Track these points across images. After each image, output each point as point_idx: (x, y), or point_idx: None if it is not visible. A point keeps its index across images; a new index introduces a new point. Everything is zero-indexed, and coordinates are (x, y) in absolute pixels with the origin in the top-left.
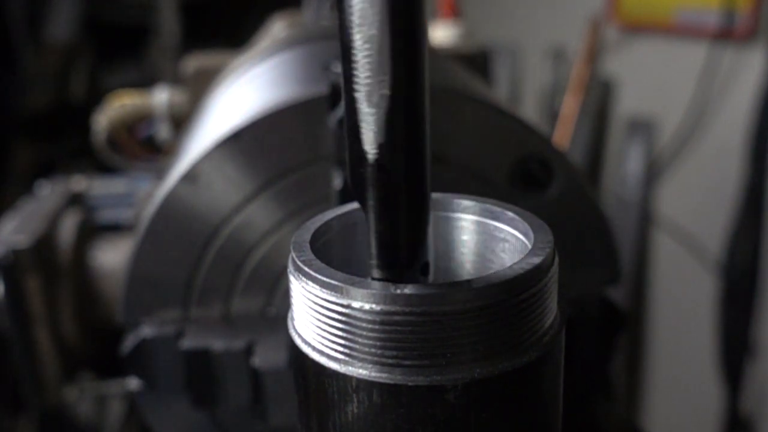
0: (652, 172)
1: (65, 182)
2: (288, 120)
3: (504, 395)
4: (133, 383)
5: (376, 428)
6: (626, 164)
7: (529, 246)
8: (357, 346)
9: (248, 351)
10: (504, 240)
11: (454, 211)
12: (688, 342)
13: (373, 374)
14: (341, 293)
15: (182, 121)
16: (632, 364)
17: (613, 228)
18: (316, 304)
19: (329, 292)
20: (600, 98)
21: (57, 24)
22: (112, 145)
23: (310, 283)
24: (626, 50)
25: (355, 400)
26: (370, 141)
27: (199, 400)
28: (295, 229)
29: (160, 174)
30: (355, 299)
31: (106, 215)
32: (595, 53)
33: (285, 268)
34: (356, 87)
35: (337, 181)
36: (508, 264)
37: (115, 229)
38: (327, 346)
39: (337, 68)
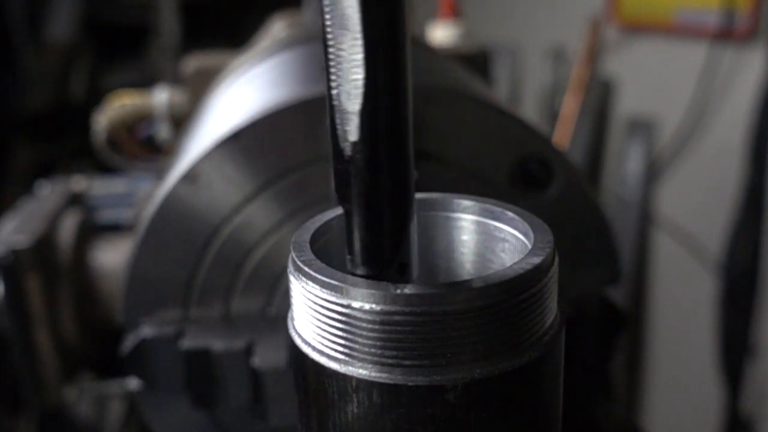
0: (652, 172)
1: (65, 182)
2: (288, 120)
3: (504, 395)
4: (133, 383)
5: (376, 428)
6: (626, 164)
7: (529, 246)
8: (357, 346)
9: (248, 351)
10: (504, 240)
11: (454, 211)
12: (688, 342)
13: (373, 374)
14: (341, 293)
15: (182, 121)
16: (632, 364)
17: (613, 228)
18: (316, 304)
19: (329, 292)
20: (600, 98)
21: (57, 24)
22: (112, 145)
23: (310, 283)
24: (626, 50)
25: (355, 400)
26: (344, 137)
27: (199, 400)
28: (295, 229)
29: (160, 174)
30: (355, 299)
31: (106, 215)
32: (595, 53)
33: (285, 268)
34: (332, 84)
35: None
36: (508, 264)
37: (115, 229)
38: (327, 346)
39: None
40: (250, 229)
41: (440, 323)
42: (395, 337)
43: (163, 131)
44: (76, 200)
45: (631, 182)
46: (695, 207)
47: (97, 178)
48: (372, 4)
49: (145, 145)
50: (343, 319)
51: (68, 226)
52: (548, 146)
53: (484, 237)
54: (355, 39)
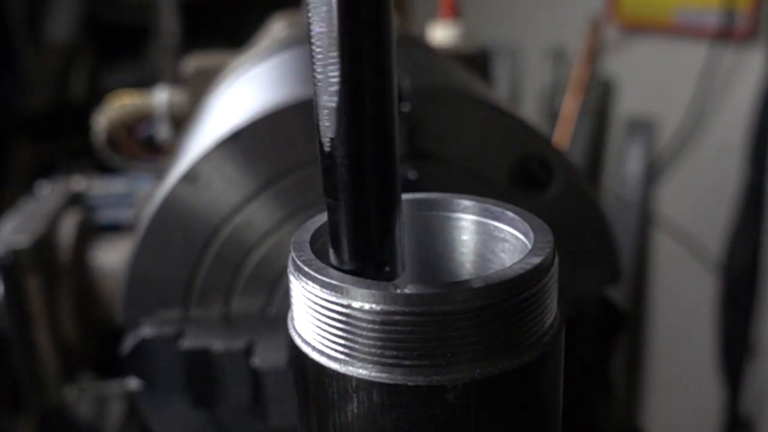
0: (652, 172)
1: (65, 182)
2: (288, 120)
3: (504, 395)
4: (133, 383)
5: (376, 428)
6: (626, 164)
7: (529, 246)
8: (357, 346)
9: (248, 351)
10: (504, 240)
11: (454, 211)
12: (688, 342)
13: (373, 374)
14: (341, 293)
15: (182, 121)
16: (632, 364)
17: (612, 228)
18: (316, 304)
19: (329, 292)
20: (600, 98)
21: (57, 24)
22: (112, 145)
23: (310, 283)
24: (626, 50)
25: (355, 400)
26: (324, 133)
27: (199, 400)
28: (295, 229)
29: (160, 174)
30: (355, 299)
31: (106, 215)
32: (595, 53)
33: (285, 268)
34: (314, 80)
35: None
36: (508, 264)
37: (115, 229)
38: (327, 346)
39: None
40: (250, 229)
41: (440, 323)
42: (395, 337)
43: (163, 131)
44: (76, 200)
45: (631, 182)
46: (695, 207)
47: (97, 178)
48: (350, 2)
49: (145, 145)
50: (343, 319)
51: (68, 226)
52: (548, 146)
53: (484, 237)
54: (332, 36)
